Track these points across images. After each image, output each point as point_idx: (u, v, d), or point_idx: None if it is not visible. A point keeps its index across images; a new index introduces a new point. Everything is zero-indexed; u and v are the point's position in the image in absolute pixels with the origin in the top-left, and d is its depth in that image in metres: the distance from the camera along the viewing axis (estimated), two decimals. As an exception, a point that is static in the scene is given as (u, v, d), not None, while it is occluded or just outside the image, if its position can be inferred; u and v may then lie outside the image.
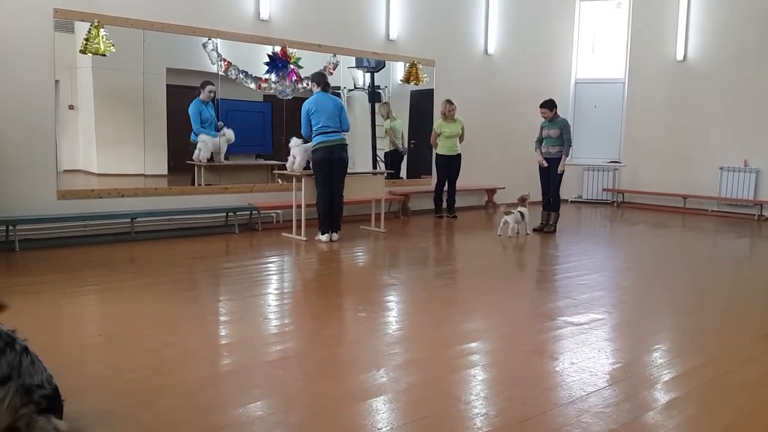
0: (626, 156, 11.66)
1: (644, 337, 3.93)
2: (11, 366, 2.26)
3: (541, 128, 8.09)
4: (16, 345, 2.30)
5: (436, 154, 9.32)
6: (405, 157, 9.77)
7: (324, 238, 6.95)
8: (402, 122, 9.66)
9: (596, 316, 4.24)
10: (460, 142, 9.30)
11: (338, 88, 8.61)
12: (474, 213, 9.99)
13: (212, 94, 7.64)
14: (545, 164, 8.00)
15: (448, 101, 9.16)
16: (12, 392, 2.23)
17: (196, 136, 7.61)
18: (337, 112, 6.88)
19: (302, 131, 6.96)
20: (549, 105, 7.94)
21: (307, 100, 6.97)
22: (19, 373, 2.26)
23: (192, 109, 7.58)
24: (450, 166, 9.22)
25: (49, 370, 2.40)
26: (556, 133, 7.87)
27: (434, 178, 9.50)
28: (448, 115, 9.14)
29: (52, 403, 2.34)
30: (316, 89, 7.00)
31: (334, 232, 7.02)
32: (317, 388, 2.95)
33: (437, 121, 9.30)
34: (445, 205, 9.35)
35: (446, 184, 9.29)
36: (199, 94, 7.58)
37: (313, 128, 6.84)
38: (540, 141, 8.10)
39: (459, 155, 9.25)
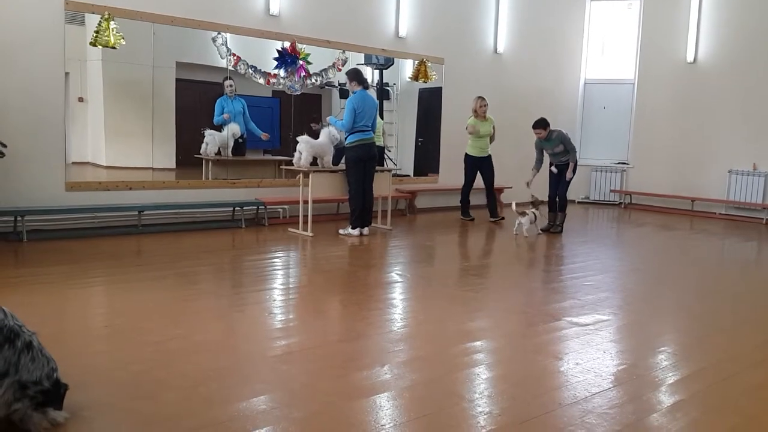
0: (634, 157, 11.61)
1: (649, 338, 3.92)
2: (8, 363, 2.27)
3: (541, 149, 7.96)
4: (17, 341, 2.31)
5: (466, 154, 8.82)
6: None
7: (355, 232, 7.14)
8: (396, 119, 9.44)
9: (601, 317, 4.23)
10: (491, 142, 8.85)
11: (346, 84, 8.58)
12: (480, 212, 9.97)
13: (231, 88, 7.76)
14: (555, 170, 8.00)
15: (481, 98, 8.66)
16: (5, 388, 2.25)
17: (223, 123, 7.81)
18: (374, 113, 7.14)
19: (345, 125, 6.98)
20: (542, 124, 7.72)
21: (354, 97, 7.01)
22: (16, 369, 2.27)
23: (217, 104, 7.74)
24: (481, 168, 8.79)
25: (53, 362, 2.41)
26: (560, 149, 7.83)
27: (441, 179, 9.43)
28: (480, 113, 8.67)
29: (51, 397, 2.35)
30: (356, 88, 7.05)
31: (365, 226, 7.21)
32: (321, 384, 2.95)
33: (471, 119, 8.74)
34: (469, 211, 8.98)
35: (471, 185, 8.89)
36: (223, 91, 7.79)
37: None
38: (540, 161, 7.98)
39: (489, 156, 8.80)
